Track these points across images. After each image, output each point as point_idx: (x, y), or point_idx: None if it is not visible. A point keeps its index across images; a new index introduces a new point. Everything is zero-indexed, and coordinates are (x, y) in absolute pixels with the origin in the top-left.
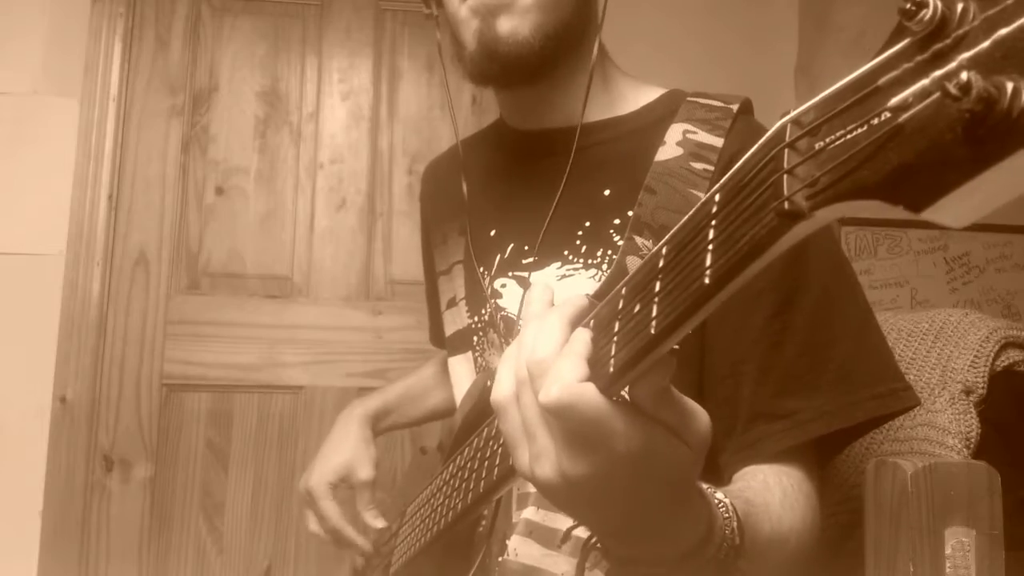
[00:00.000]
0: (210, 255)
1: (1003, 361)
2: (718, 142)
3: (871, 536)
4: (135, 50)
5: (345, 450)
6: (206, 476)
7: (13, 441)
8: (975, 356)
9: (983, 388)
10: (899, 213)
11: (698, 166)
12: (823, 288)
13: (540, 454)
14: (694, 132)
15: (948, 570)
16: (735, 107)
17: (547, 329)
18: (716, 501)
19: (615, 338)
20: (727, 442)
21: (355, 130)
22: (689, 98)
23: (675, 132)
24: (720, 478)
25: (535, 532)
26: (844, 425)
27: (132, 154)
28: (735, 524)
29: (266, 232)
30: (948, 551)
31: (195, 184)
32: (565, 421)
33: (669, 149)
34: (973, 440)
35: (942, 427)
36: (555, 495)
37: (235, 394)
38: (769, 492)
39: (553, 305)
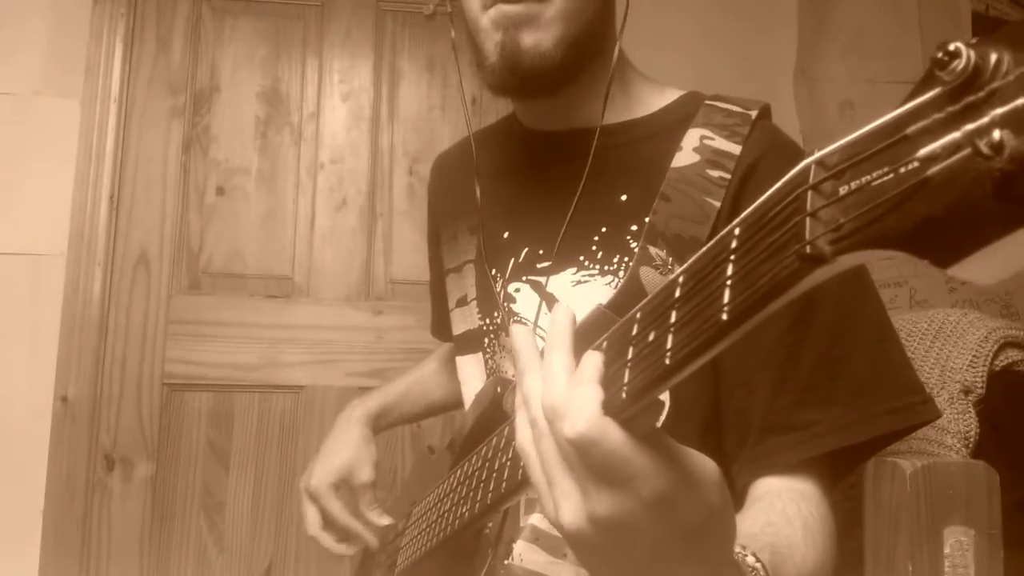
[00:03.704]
0: (211, 255)
1: (1002, 361)
2: (736, 149)
3: (870, 535)
4: (136, 51)
5: (345, 451)
6: (207, 475)
7: (14, 441)
8: (974, 356)
9: (982, 388)
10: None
11: (714, 174)
12: (842, 300)
13: (563, 496)
14: (711, 138)
15: (947, 569)
16: (754, 113)
17: (552, 368)
18: (750, 570)
19: (628, 364)
20: (740, 451)
21: (355, 130)
22: (707, 102)
23: (692, 137)
24: (733, 487)
25: (541, 539)
26: (859, 439)
27: (133, 154)
28: None
29: (267, 232)
30: (947, 550)
31: (196, 184)
32: (590, 455)
33: (686, 155)
34: (972, 439)
35: (941, 427)
36: (580, 541)
37: (236, 394)
38: (791, 527)
39: (575, 326)
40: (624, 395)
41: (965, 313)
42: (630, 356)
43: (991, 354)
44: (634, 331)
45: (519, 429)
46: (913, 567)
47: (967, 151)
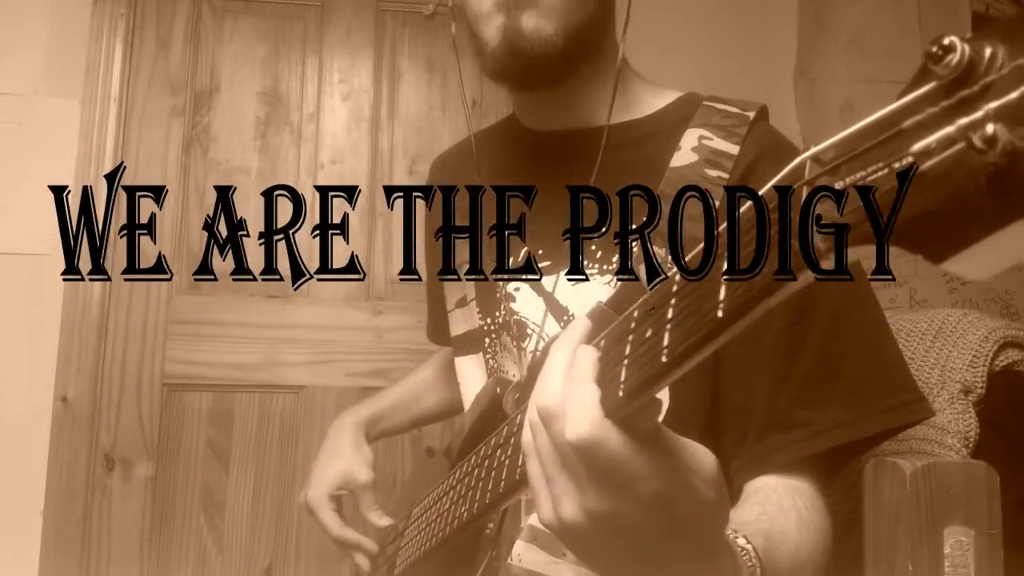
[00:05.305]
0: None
1: (1002, 361)
2: (734, 149)
3: (870, 535)
4: (136, 51)
5: (340, 458)
6: (207, 475)
7: (15, 441)
8: (974, 356)
9: (982, 388)
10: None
11: (712, 173)
12: (839, 299)
13: (562, 493)
14: (709, 138)
15: (947, 569)
16: (752, 114)
17: (551, 366)
18: (740, 550)
19: (625, 361)
20: (739, 450)
21: (355, 130)
22: (705, 103)
23: (691, 137)
24: (731, 486)
25: (540, 538)
26: (857, 437)
27: (133, 155)
28: (758, 572)
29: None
30: (947, 550)
31: (196, 184)
32: (590, 460)
33: (684, 155)
34: (972, 439)
35: (941, 426)
36: (577, 537)
37: (236, 394)
38: (784, 517)
39: (588, 334)
40: (621, 393)
41: (965, 313)
42: (627, 353)
43: (991, 354)
44: (631, 327)
45: (525, 427)
46: (913, 567)
47: (961, 145)
